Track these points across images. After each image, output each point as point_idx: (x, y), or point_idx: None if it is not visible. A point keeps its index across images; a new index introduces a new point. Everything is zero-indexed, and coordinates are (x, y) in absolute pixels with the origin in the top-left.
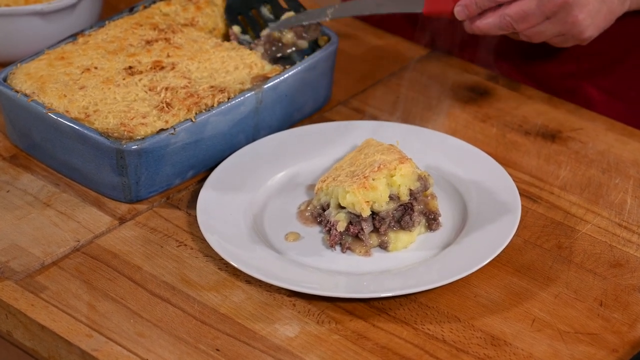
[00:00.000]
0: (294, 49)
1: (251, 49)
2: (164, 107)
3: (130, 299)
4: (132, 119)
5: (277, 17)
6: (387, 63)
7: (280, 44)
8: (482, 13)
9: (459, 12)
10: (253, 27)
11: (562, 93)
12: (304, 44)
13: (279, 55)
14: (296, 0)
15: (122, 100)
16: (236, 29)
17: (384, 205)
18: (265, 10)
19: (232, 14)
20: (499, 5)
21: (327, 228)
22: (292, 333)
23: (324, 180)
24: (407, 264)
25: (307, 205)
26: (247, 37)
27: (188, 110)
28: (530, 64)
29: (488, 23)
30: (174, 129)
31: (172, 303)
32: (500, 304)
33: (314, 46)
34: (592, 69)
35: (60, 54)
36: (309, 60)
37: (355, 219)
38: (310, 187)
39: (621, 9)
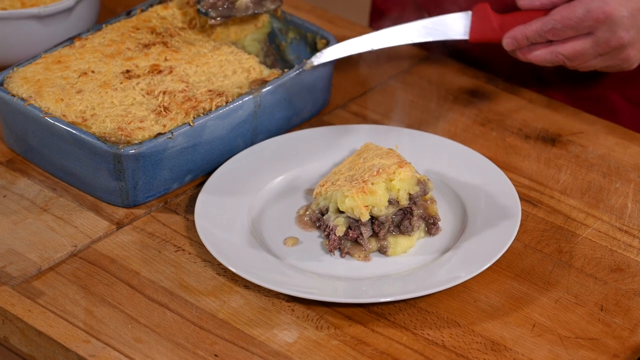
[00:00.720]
0: (246, 14)
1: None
2: (161, 111)
3: (127, 304)
4: (129, 123)
5: None
6: (386, 66)
7: (231, 4)
8: (532, 45)
9: (508, 44)
10: None
11: (587, 100)
12: (259, 10)
13: (227, 15)
14: None
15: (119, 104)
16: None
17: (383, 210)
18: None
19: None
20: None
21: (326, 233)
22: (291, 338)
23: (323, 185)
24: (406, 268)
25: (306, 210)
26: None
27: (186, 114)
28: (554, 72)
29: (538, 55)
30: (172, 133)
31: (170, 308)
32: (500, 309)
33: (313, 50)
34: (618, 78)
35: (57, 57)
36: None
37: (354, 223)
38: (309, 191)
39: None
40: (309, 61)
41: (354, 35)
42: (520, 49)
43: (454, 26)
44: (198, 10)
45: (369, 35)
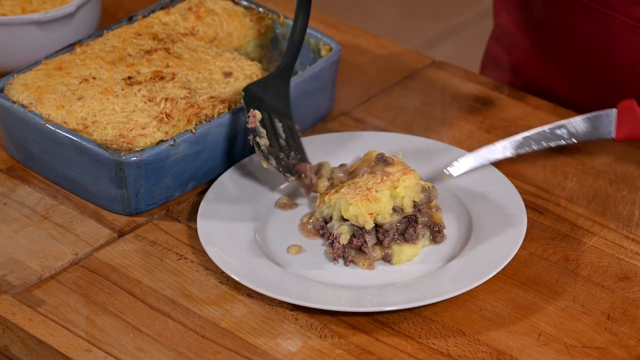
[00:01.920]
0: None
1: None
2: (163, 118)
3: (129, 313)
4: (131, 130)
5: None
6: (390, 73)
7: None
8: None
9: None
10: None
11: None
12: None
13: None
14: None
15: (121, 111)
16: (258, 114)
17: (387, 218)
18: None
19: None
20: None
21: (329, 241)
22: (294, 348)
23: (326, 193)
24: (411, 277)
25: (309, 218)
26: (263, 141)
27: (188, 121)
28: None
29: None
30: (174, 140)
31: (172, 317)
32: (506, 318)
33: (316, 56)
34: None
35: (58, 64)
36: (310, 71)
37: (358, 231)
38: (312, 199)
39: None
40: (446, 172)
41: (358, 41)
42: None
43: (597, 126)
44: (254, 142)
45: (507, 141)
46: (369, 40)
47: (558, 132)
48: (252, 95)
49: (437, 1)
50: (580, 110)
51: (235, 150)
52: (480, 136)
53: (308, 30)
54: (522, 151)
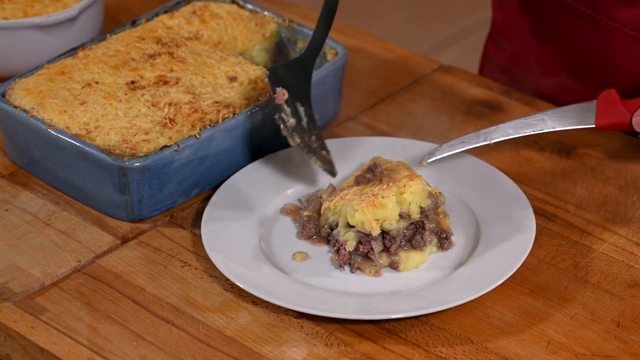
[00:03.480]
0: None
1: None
2: (167, 123)
3: (133, 320)
4: (134, 136)
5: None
6: (397, 77)
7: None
8: None
9: (637, 122)
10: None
11: None
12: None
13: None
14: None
15: (124, 116)
16: (286, 93)
17: (394, 224)
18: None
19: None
20: None
21: (335, 248)
22: (300, 356)
23: (331, 200)
24: (418, 284)
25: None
26: (290, 120)
27: (192, 127)
28: None
29: None
30: (178, 145)
31: (176, 325)
32: (514, 326)
33: (322, 60)
34: None
35: (60, 68)
36: (316, 75)
37: (364, 238)
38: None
39: None
40: (423, 159)
41: (365, 45)
42: None
43: (578, 115)
44: (280, 119)
45: (489, 129)
46: (376, 44)
47: (538, 120)
48: (277, 75)
49: (444, 5)
50: None
51: (240, 156)
52: None
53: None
54: (499, 138)
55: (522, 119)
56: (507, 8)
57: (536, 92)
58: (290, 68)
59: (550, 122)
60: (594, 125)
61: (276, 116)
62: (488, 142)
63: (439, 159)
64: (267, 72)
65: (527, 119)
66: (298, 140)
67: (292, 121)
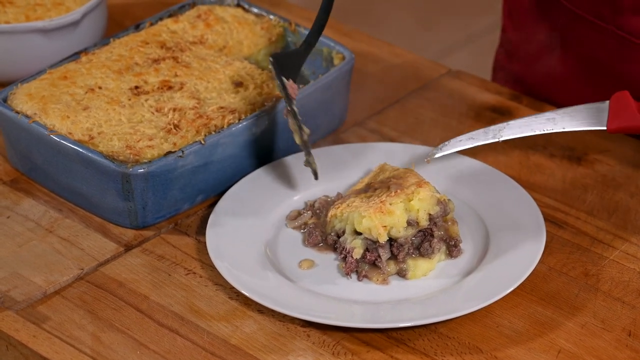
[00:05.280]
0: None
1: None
2: (171, 128)
3: (136, 329)
4: (138, 141)
5: None
6: (405, 82)
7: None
8: None
9: None
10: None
11: None
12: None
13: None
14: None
15: (127, 121)
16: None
17: (401, 231)
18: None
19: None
20: None
21: (342, 255)
22: None
23: (338, 207)
24: (426, 292)
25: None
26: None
27: (197, 132)
28: None
29: None
30: (182, 151)
31: (181, 334)
32: (524, 334)
33: (329, 64)
34: None
35: (63, 73)
36: (323, 80)
37: (372, 245)
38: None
39: None
40: (430, 154)
41: (372, 50)
42: None
43: (589, 116)
44: (291, 112)
45: (497, 126)
46: (383, 48)
47: (549, 119)
48: (280, 64)
49: (453, 9)
50: None
51: (245, 162)
52: (498, 147)
53: (321, 39)
54: (508, 136)
55: (532, 117)
56: (518, 19)
57: (549, 102)
58: (290, 56)
59: (561, 122)
60: (605, 128)
61: (285, 110)
62: (497, 140)
63: (447, 154)
64: (270, 59)
65: (537, 117)
66: (306, 137)
67: (300, 118)
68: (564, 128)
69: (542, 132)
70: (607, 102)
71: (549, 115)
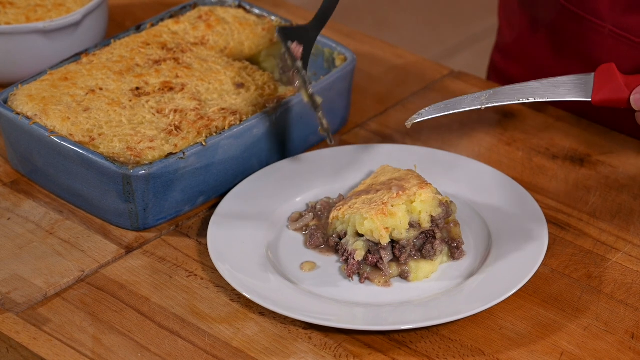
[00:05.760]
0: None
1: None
2: (172, 130)
3: (137, 332)
4: (139, 143)
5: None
6: (407, 83)
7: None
8: None
9: (636, 100)
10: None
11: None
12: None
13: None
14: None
15: (128, 123)
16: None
17: (404, 233)
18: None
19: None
20: None
21: (344, 257)
22: None
23: (340, 208)
24: (428, 294)
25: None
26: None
27: (198, 134)
28: None
29: None
30: (184, 153)
31: (182, 336)
32: (526, 337)
33: (330, 66)
34: None
35: (63, 74)
36: (325, 81)
37: (373, 247)
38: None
39: None
40: (409, 121)
41: (374, 51)
42: None
43: (574, 87)
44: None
45: (480, 93)
46: (385, 49)
47: (533, 87)
48: (286, 34)
49: (455, 10)
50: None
51: (246, 164)
52: (501, 149)
53: (323, 40)
54: (492, 103)
55: (516, 85)
56: (514, 19)
57: (547, 102)
58: (297, 31)
59: (545, 91)
60: (589, 99)
61: (291, 72)
62: (480, 107)
63: (427, 119)
64: (277, 29)
65: (521, 85)
66: (311, 91)
67: (307, 74)
68: (547, 98)
69: (527, 101)
70: (593, 73)
71: (533, 85)
